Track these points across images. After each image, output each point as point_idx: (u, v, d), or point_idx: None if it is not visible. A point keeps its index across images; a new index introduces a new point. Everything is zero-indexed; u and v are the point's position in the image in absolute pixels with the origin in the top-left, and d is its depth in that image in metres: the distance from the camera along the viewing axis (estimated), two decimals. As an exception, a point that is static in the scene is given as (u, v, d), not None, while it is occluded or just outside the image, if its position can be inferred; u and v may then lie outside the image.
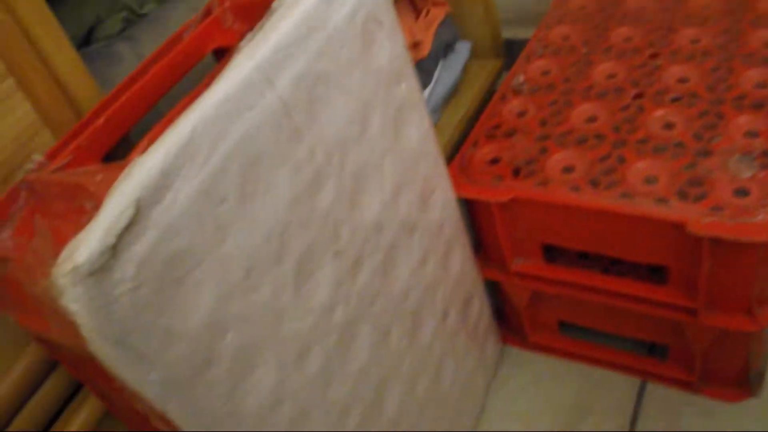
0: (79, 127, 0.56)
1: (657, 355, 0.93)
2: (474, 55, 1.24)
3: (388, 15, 0.65)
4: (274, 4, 0.59)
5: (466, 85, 1.21)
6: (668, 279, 0.77)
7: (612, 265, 0.86)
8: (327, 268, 0.59)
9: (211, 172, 0.47)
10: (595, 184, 0.76)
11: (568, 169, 0.79)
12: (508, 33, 1.32)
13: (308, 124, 0.55)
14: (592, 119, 0.84)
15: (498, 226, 0.82)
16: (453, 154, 0.91)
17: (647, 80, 0.87)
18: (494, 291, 0.94)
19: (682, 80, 0.86)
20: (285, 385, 0.56)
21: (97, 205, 0.43)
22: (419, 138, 0.71)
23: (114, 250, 0.42)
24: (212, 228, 0.48)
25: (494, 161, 0.83)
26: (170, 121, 0.47)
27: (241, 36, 0.57)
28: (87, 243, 0.41)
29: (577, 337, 0.96)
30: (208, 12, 0.64)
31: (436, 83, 1.15)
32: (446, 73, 1.17)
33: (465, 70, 1.21)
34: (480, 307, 0.88)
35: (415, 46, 1.06)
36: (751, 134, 0.77)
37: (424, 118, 0.71)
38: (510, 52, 1.34)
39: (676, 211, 0.71)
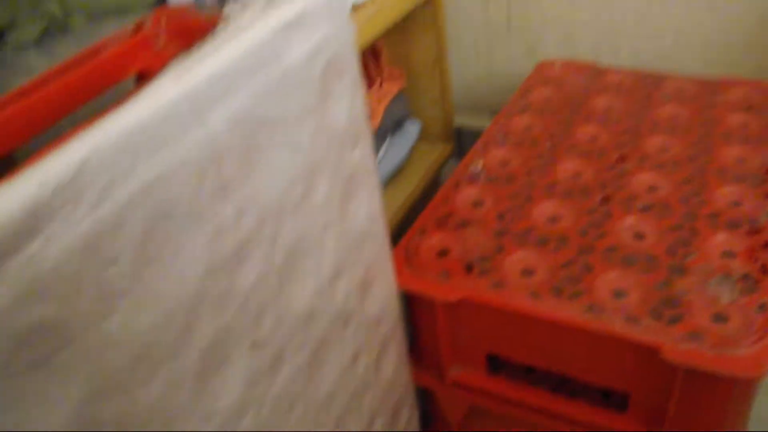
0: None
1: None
2: (423, 136, 1.16)
3: (351, 67, 0.55)
4: (220, 24, 0.48)
5: (412, 167, 1.12)
6: (629, 406, 0.68)
7: (561, 384, 0.76)
8: (240, 362, 0.46)
9: (101, 220, 0.35)
10: (557, 292, 0.66)
11: (528, 272, 0.69)
12: (458, 120, 1.25)
13: (241, 178, 0.44)
14: (554, 219, 0.75)
15: (439, 328, 0.71)
16: (394, 239, 0.79)
17: (615, 184, 0.80)
18: (426, 400, 0.82)
19: (652, 188, 0.79)
20: None
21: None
22: (367, 216, 0.60)
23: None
24: (93, 297, 0.35)
25: (443, 253, 0.73)
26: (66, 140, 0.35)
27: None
28: None
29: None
30: (138, 28, 0.52)
31: (381, 161, 1.06)
32: (393, 152, 1.09)
33: (412, 150, 1.13)
34: (409, 418, 0.76)
35: (364, 117, 0.96)
36: (729, 255, 0.70)
37: (375, 194, 0.61)
38: (459, 140, 1.27)
39: (649, 332, 0.62)
